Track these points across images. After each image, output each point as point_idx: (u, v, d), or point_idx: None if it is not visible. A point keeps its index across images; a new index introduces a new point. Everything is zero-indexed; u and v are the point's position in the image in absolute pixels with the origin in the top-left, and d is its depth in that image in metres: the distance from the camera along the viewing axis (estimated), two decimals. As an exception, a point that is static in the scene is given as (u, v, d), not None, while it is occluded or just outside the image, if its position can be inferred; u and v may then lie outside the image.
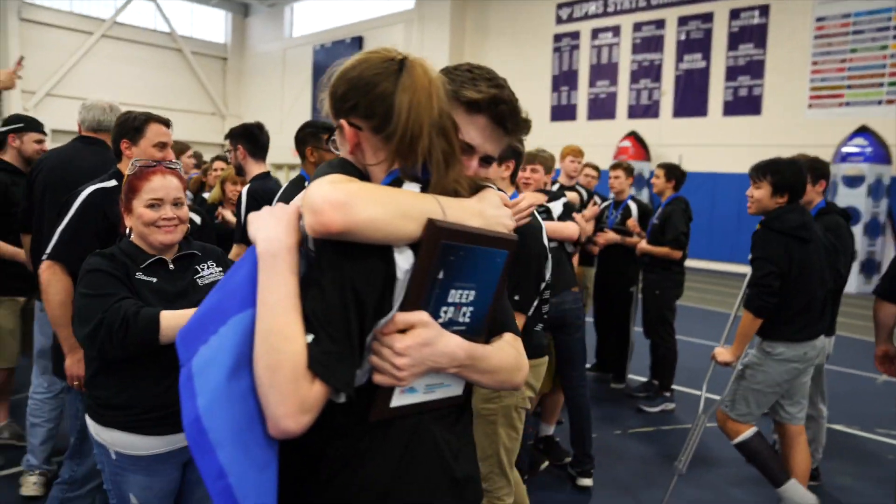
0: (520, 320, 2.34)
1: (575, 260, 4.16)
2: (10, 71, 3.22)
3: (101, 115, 2.99)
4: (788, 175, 2.96)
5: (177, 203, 1.92)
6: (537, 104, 15.35)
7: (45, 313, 2.39)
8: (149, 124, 2.52)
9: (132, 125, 2.51)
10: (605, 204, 5.58)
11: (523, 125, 1.28)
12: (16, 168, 3.50)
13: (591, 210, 5.39)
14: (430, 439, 1.14)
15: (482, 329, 1.19)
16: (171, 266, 1.93)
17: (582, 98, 14.93)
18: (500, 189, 1.37)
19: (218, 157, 5.50)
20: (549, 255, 2.59)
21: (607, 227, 5.38)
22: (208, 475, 0.95)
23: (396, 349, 1.02)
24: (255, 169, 3.35)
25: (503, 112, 1.22)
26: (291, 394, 0.94)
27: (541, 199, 2.67)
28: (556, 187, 5.43)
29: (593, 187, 5.81)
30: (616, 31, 14.26)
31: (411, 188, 1.09)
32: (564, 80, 15.20)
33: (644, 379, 5.33)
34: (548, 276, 2.59)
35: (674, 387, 5.02)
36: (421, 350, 1.03)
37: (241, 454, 0.95)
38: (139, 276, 1.85)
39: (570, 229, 3.55)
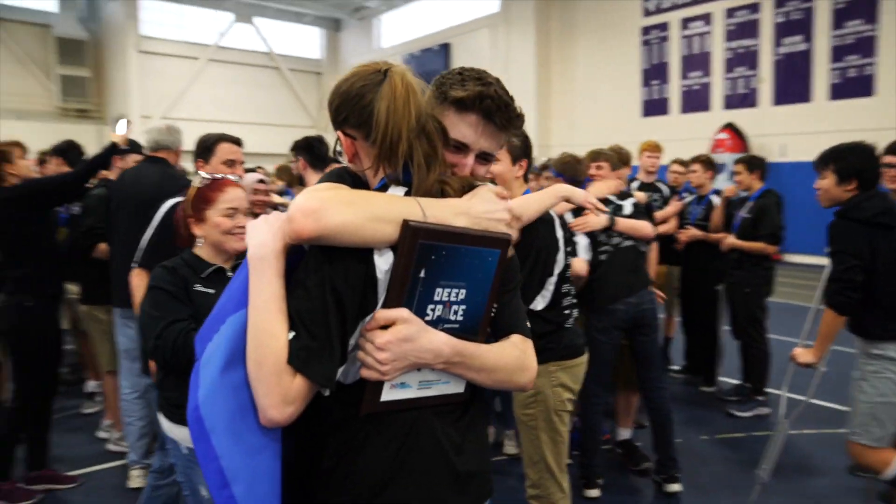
0: None
1: (654, 258, 4.04)
2: (123, 136, 3.65)
3: (158, 136, 3.33)
4: (852, 160, 2.74)
5: (243, 213, 2.08)
6: (628, 100, 14.93)
7: (125, 319, 2.64)
8: (219, 144, 2.72)
9: (204, 145, 2.73)
10: (688, 200, 5.37)
11: (515, 119, 1.29)
12: None
13: (670, 207, 5.22)
14: (430, 434, 1.18)
15: (479, 328, 1.22)
16: (229, 274, 2.07)
17: (674, 91, 14.36)
18: (509, 189, 1.39)
19: (282, 167, 5.90)
20: (561, 248, 2.49)
21: (690, 224, 5.19)
22: (203, 458, 1.04)
23: (377, 344, 1.08)
24: (313, 178, 3.52)
25: (489, 107, 1.24)
26: (275, 386, 1.02)
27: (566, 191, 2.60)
28: (635, 185, 5.30)
29: (682, 183, 5.61)
30: (707, 19, 13.61)
31: (396, 192, 1.15)
32: (655, 73, 14.68)
33: (737, 382, 5.08)
34: (558, 270, 2.47)
35: (768, 390, 4.75)
36: (401, 345, 1.09)
37: (231, 440, 1.04)
38: (197, 287, 2.00)
39: (644, 227, 3.47)
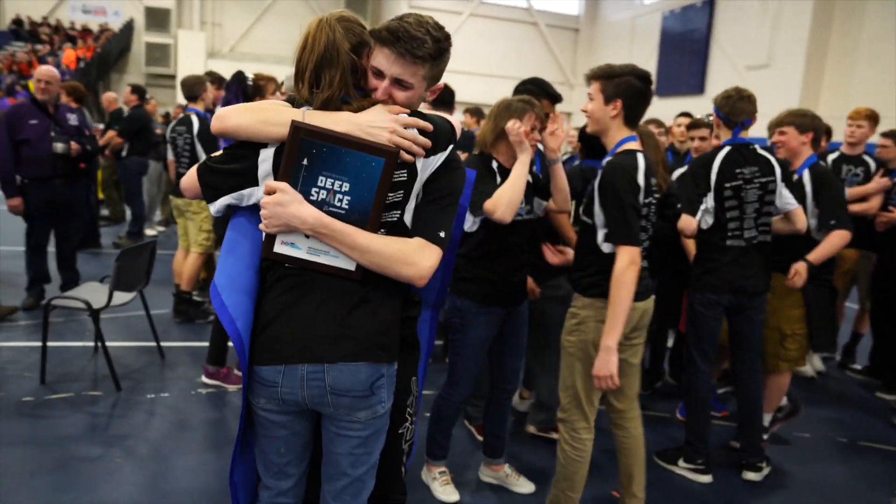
0: (625, 253, 2.28)
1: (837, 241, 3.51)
2: None
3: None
4: None
5: None
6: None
7: None
8: None
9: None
10: (899, 178, 4.59)
11: (418, 50, 1.50)
12: None
13: (872, 184, 4.55)
14: (317, 292, 1.54)
15: (365, 220, 1.50)
16: None
17: None
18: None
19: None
20: (645, 190, 2.38)
21: (893, 206, 4.46)
22: (215, 304, 1.55)
23: (261, 203, 1.50)
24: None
25: (384, 38, 1.50)
26: None
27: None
28: (833, 157, 4.70)
29: (891, 157, 4.81)
30: None
31: (304, 109, 1.53)
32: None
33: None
34: (641, 205, 2.38)
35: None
36: (275, 208, 1.47)
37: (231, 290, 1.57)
38: None
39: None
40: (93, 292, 3.89)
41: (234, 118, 1.51)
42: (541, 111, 2.66)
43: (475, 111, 6.92)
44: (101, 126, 8.55)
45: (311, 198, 1.49)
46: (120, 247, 7.00)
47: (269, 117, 1.50)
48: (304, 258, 1.52)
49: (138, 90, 7.48)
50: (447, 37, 1.57)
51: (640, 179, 2.37)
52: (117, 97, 8.21)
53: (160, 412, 3.53)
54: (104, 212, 8.81)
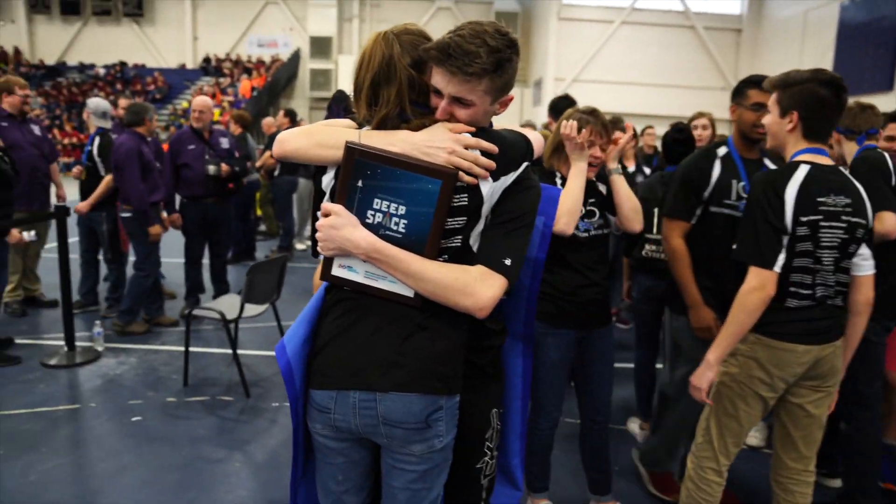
0: (753, 275, 2.06)
1: None
2: None
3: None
4: None
5: None
6: None
7: None
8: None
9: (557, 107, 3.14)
10: None
11: (469, 67, 1.37)
12: None
13: None
14: (374, 317, 1.46)
15: (423, 245, 1.41)
16: None
17: None
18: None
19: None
20: (806, 206, 2.04)
21: None
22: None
23: (316, 225, 1.46)
24: None
25: (435, 56, 1.39)
26: None
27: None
28: None
29: None
30: None
31: (364, 129, 1.49)
32: None
33: None
34: (789, 225, 2.04)
35: None
36: (329, 231, 1.42)
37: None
38: None
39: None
40: (229, 304, 4.19)
41: (292, 142, 1.49)
42: (598, 125, 2.49)
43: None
44: (262, 147, 9.31)
45: (367, 221, 1.43)
46: (271, 260, 7.53)
47: (324, 139, 1.47)
48: (361, 282, 1.46)
49: (290, 114, 8.05)
50: (510, 44, 1.42)
51: (791, 193, 2.06)
52: (273, 121, 8.89)
53: (282, 421, 3.69)
54: (262, 227, 9.58)
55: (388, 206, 1.41)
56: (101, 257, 5.66)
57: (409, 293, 1.44)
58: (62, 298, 4.41)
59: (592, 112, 2.51)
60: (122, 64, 25.62)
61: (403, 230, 1.41)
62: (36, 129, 5.28)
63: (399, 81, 1.43)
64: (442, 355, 1.46)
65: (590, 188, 2.53)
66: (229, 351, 4.70)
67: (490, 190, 1.44)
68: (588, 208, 2.53)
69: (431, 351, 1.45)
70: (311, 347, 1.55)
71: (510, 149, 1.48)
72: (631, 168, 5.03)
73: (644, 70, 21.22)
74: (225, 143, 5.53)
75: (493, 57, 1.38)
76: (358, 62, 1.48)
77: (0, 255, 4.26)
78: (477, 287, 1.39)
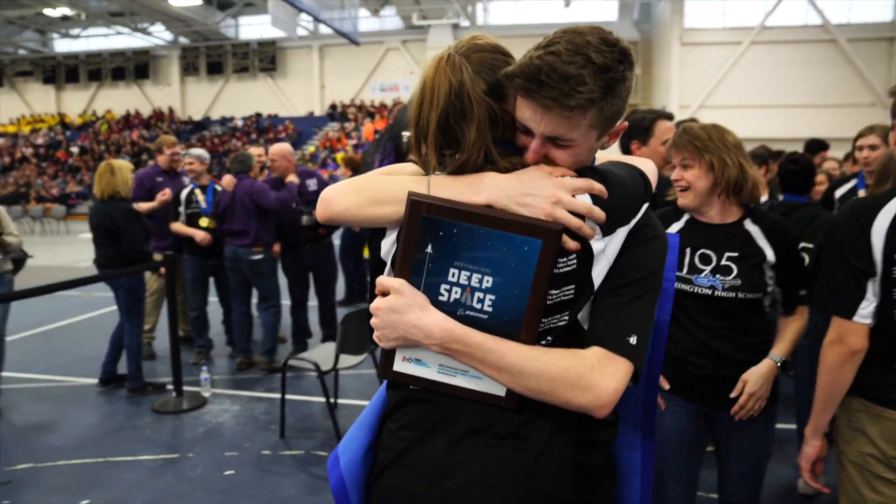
0: (833, 326, 1.68)
1: None
2: None
3: None
4: None
5: None
6: None
7: None
8: (656, 122, 2.55)
9: (641, 125, 2.57)
10: None
11: (566, 97, 1.01)
12: None
13: None
14: (452, 426, 1.11)
15: (517, 326, 1.07)
16: None
17: None
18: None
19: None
20: (878, 239, 1.62)
21: None
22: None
23: (371, 308, 1.10)
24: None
25: (521, 86, 1.03)
26: None
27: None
28: None
29: None
30: None
31: (433, 175, 1.13)
32: None
33: None
34: (878, 265, 1.61)
35: None
36: (388, 315, 1.07)
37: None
38: None
39: None
40: (326, 353, 4.06)
41: (340, 200, 1.13)
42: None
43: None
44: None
45: (441, 298, 1.08)
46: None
47: (379, 195, 1.11)
48: (433, 379, 1.11)
49: (350, 163, 7.99)
50: (622, 56, 1.04)
51: (881, 226, 1.61)
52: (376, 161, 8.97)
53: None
54: (374, 268, 9.64)
55: (470, 278, 1.07)
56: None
57: (500, 391, 1.09)
58: (170, 343, 4.51)
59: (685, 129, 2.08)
60: (258, 115, 27.64)
61: (490, 308, 1.07)
62: (185, 181, 5.68)
63: (476, 118, 1.08)
64: (549, 471, 1.10)
65: (728, 233, 2.03)
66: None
67: (603, 246, 1.09)
68: (724, 262, 2.00)
69: (535, 468, 1.09)
70: (371, 460, 1.23)
71: (623, 191, 1.12)
72: (764, 198, 4.47)
73: (777, 91, 19.75)
74: (313, 184, 5.44)
75: (603, 79, 1.02)
76: (418, 96, 1.13)
77: (138, 292, 4.60)
78: (595, 377, 1.03)
